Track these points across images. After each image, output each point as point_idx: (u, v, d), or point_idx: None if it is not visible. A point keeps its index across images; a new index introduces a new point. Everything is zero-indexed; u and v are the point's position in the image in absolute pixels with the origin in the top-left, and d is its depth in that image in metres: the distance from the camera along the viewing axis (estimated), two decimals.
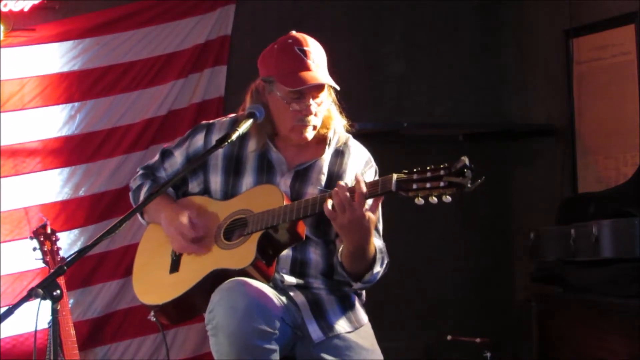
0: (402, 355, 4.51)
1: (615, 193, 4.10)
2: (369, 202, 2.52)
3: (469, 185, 2.34)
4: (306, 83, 2.67)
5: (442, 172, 2.37)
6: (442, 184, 2.36)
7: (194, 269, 2.70)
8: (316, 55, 2.72)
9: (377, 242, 2.67)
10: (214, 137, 2.80)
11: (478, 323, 4.90)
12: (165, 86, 4.53)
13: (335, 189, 2.52)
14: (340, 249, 2.67)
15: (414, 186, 2.40)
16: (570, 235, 3.92)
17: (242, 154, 2.81)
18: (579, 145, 4.69)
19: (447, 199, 2.37)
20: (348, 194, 2.49)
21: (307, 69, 2.69)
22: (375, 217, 2.54)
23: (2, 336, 4.19)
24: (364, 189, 2.48)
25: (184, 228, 2.73)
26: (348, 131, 2.87)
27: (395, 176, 2.45)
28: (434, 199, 2.39)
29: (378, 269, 2.67)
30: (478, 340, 4.19)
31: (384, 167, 2.85)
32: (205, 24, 4.61)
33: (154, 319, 2.79)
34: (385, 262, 2.72)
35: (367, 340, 2.73)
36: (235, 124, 2.74)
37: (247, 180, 2.78)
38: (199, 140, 2.86)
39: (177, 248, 2.77)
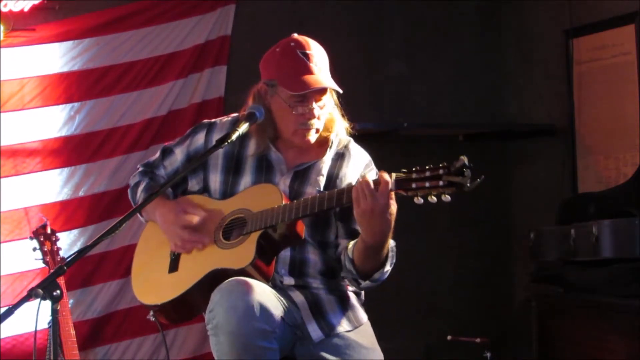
0: (402, 355, 4.51)
1: (615, 193, 4.09)
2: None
3: (468, 184, 2.34)
4: (309, 87, 2.65)
5: (441, 172, 2.37)
6: (441, 183, 2.36)
7: (193, 269, 2.69)
8: (319, 58, 2.71)
9: (389, 241, 2.66)
10: (215, 137, 2.79)
11: (478, 323, 4.90)
12: (165, 86, 4.54)
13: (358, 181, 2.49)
14: (351, 245, 2.66)
15: (413, 185, 2.40)
16: (570, 235, 3.92)
17: (242, 153, 2.80)
18: (579, 145, 4.69)
19: (447, 198, 2.37)
20: (372, 185, 2.46)
21: (310, 72, 2.67)
22: (395, 211, 2.49)
23: (2, 336, 4.19)
24: (389, 179, 2.44)
25: (180, 221, 2.72)
26: (350, 134, 2.86)
27: (394, 175, 2.45)
28: (433, 198, 2.38)
29: (388, 267, 2.66)
30: (478, 340, 4.18)
31: (384, 167, 2.83)
32: (205, 24, 4.61)
33: (154, 319, 2.79)
34: (394, 261, 2.70)
35: (366, 338, 2.72)
36: (236, 123, 2.74)
37: (246, 179, 2.77)
38: (199, 139, 2.86)
39: (174, 245, 2.76)
